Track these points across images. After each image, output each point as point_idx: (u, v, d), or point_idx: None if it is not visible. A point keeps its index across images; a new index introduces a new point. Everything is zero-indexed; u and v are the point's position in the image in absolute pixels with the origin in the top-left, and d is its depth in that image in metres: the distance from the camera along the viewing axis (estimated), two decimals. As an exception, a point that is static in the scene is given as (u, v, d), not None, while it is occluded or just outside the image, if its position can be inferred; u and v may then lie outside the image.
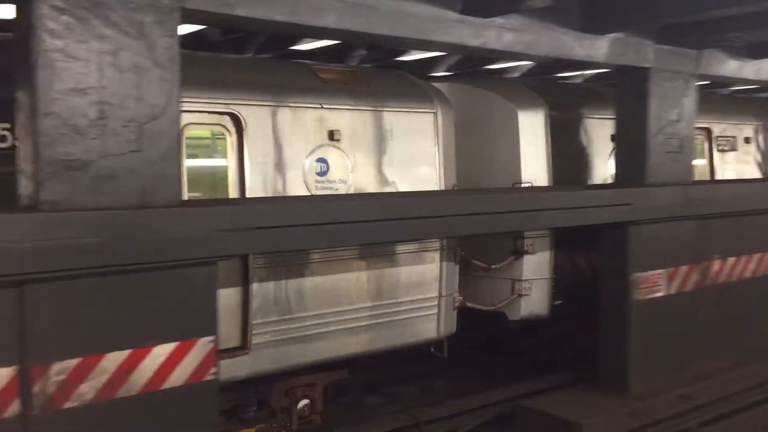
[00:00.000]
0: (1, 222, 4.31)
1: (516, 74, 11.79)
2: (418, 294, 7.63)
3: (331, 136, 7.00)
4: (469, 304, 8.59)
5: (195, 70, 6.21)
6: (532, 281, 8.78)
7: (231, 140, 6.59)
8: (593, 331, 8.20)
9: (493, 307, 8.85)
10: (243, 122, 6.58)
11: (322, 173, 7.03)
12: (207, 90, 6.46)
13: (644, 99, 8.01)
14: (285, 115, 6.83)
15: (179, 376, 4.96)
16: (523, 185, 8.59)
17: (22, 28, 4.62)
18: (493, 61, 10.86)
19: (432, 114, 7.74)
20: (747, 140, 11.41)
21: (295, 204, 6.08)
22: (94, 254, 4.53)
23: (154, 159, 4.86)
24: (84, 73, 4.55)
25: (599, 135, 9.35)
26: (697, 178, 9.38)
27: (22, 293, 4.37)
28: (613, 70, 8.63)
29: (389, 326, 7.44)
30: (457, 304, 8.08)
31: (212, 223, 5.08)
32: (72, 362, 4.51)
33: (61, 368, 4.48)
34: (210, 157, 6.82)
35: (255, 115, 6.65)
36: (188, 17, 5.16)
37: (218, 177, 6.65)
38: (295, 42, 8.61)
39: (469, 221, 6.62)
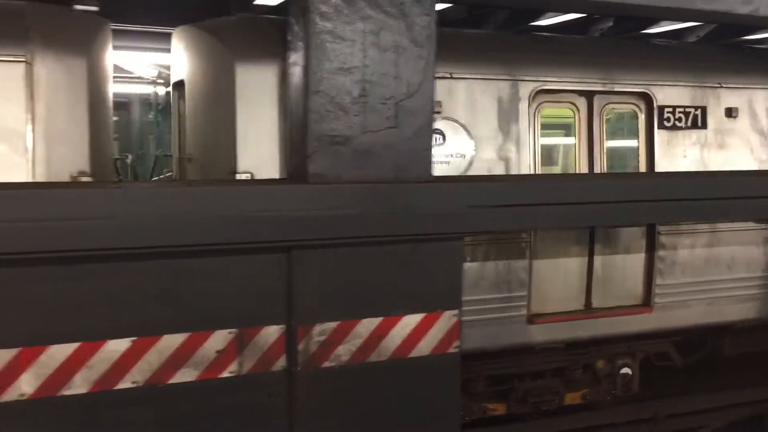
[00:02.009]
0: (274, 192, 4.72)
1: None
2: None
3: None
4: None
5: None
6: None
7: None
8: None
9: None
10: None
11: None
12: None
13: None
14: None
15: (425, 346, 5.11)
16: (240, 176, 5.81)
17: (295, 11, 4.96)
18: (753, 31, 9.82)
19: (23, 64, 5.25)
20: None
21: (538, 182, 5.98)
22: (354, 225, 4.79)
23: (408, 135, 5.01)
24: (349, 53, 4.79)
25: None
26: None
27: (291, 258, 4.74)
28: None
29: None
30: None
31: (461, 199, 5.15)
32: (332, 325, 4.83)
33: (322, 329, 4.81)
34: None
35: None
36: (444, -5, 5.24)
37: None
38: (537, 17, 8.40)
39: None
